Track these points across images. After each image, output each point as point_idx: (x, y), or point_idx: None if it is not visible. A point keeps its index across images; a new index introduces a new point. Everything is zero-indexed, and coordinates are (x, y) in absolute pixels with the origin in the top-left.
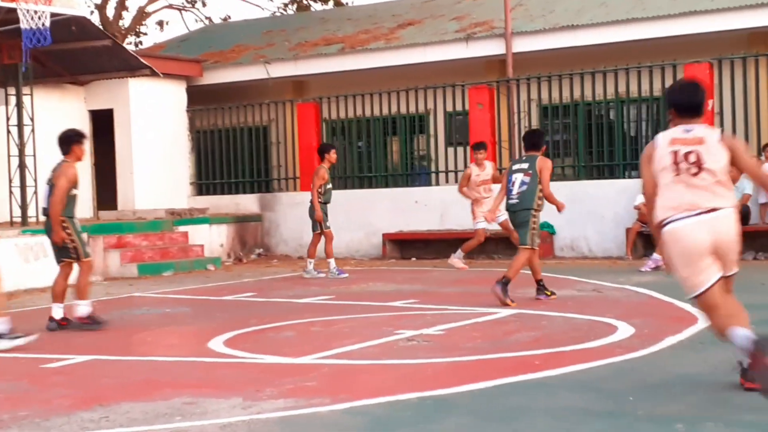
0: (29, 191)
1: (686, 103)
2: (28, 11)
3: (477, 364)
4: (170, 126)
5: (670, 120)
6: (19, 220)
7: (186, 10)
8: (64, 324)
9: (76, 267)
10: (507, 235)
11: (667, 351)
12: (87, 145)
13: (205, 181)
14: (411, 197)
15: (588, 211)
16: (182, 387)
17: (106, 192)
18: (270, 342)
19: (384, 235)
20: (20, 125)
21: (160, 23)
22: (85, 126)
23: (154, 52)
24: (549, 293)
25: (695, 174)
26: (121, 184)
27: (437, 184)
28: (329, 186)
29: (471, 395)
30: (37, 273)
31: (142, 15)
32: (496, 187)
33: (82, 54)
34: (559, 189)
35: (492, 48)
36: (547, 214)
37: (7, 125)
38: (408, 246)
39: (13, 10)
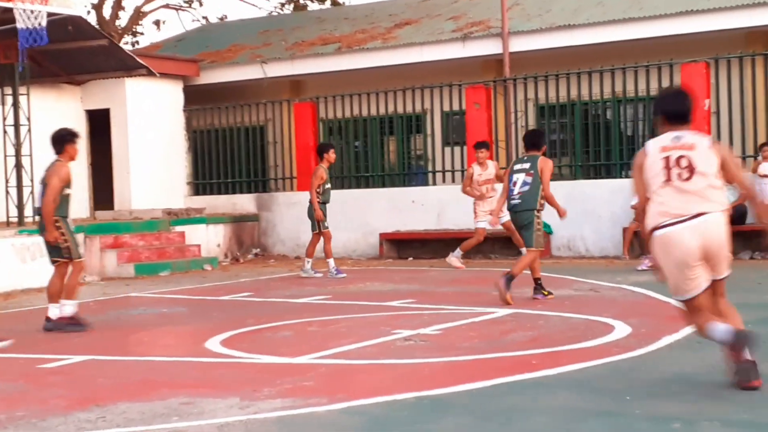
0: (26, 191)
1: (675, 111)
2: (24, 11)
3: (474, 364)
4: (167, 126)
5: (657, 126)
6: (15, 220)
7: (183, 10)
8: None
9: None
10: (507, 235)
11: (664, 350)
12: (80, 145)
13: (202, 181)
14: (408, 197)
15: (585, 210)
16: (179, 387)
17: (102, 192)
18: (267, 342)
19: (381, 234)
20: (17, 125)
21: (157, 23)
22: (81, 126)
23: (150, 51)
24: (546, 293)
25: (687, 178)
26: (118, 184)
27: (434, 183)
28: (328, 186)
29: (468, 395)
30: (33, 273)
31: (138, 14)
32: (500, 186)
33: (78, 54)
34: (556, 188)
35: (489, 47)
36: (544, 213)
37: (4, 125)
38: (405, 246)
39: (10, 10)
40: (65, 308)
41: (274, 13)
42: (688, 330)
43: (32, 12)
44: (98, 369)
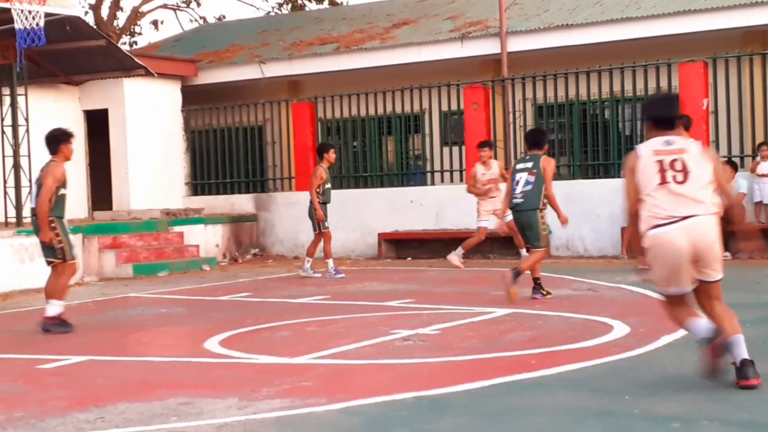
0: (24, 192)
1: (663, 116)
2: (22, 11)
3: (473, 364)
4: (165, 126)
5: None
6: (14, 220)
7: (180, 10)
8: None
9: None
10: (509, 235)
11: (662, 350)
12: (75, 144)
13: (201, 181)
14: (406, 197)
15: (583, 210)
16: (178, 387)
17: (101, 192)
18: (266, 342)
19: (379, 234)
20: (15, 126)
21: (155, 23)
22: (79, 126)
23: (148, 51)
24: (545, 293)
25: (682, 181)
26: (116, 184)
27: (432, 183)
28: (328, 186)
29: (467, 395)
30: (32, 273)
31: (136, 15)
32: (503, 186)
33: (76, 54)
34: (555, 188)
35: (487, 47)
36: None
37: (2, 125)
38: (403, 246)
39: (7, 10)
40: (52, 308)
41: (272, 14)
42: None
43: (30, 12)
44: (97, 369)
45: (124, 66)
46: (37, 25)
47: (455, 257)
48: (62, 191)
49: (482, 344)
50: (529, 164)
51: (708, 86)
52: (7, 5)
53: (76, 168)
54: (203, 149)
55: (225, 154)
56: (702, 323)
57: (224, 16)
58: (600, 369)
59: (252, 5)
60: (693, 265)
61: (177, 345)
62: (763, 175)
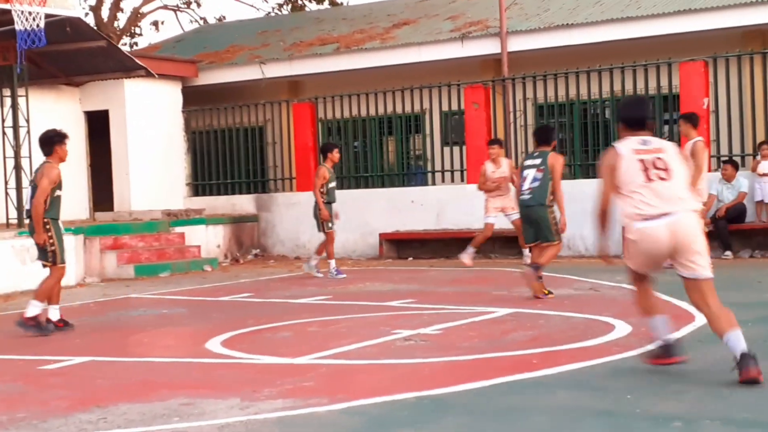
0: (25, 193)
1: (636, 117)
2: (22, 12)
3: (474, 364)
4: (166, 127)
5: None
6: (15, 221)
7: (181, 11)
8: (60, 326)
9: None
10: (508, 235)
11: None
12: (76, 146)
13: (201, 182)
14: (407, 197)
15: (584, 210)
16: (179, 388)
17: (102, 193)
18: (267, 342)
19: (380, 234)
20: (15, 127)
21: (155, 24)
22: (80, 127)
23: (149, 52)
24: (546, 292)
25: (665, 179)
26: (117, 185)
27: (433, 183)
28: (331, 185)
29: (468, 395)
30: (33, 275)
31: (136, 16)
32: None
33: (77, 55)
34: None
35: (487, 47)
36: None
37: (3, 127)
38: (405, 246)
39: (8, 12)
40: (31, 308)
41: (273, 14)
42: (688, 329)
43: (30, 13)
44: (99, 370)
45: (125, 67)
46: (38, 26)
47: (466, 257)
48: (57, 193)
49: (484, 344)
50: (537, 161)
51: (708, 85)
52: (7, 6)
53: (77, 169)
54: (204, 150)
55: (226, 154)
56: (663, 328)
57: (224, 17)
58: (601, 368)
59: (252, 6)
60: (678, 260)
61: (178, 345)
62: (764, 174)
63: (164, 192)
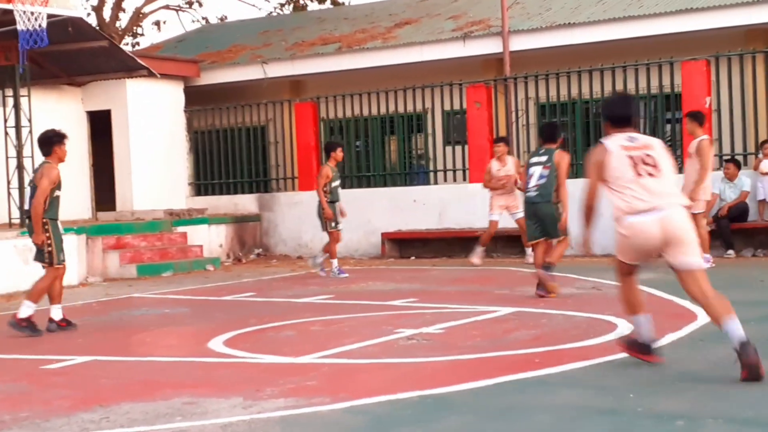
0: (28, 193)
1: (621, 115)
2: (24, 12)
3: (477, 363)
4: (168, 126)
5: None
6: (17, 221)
7: (183, 11)
8: (63, 325)
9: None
10: (509, 233)
11: (666, 348)
12: (77, 146)
13: (204, 182)
14: (409, 196)
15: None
16: (182, 387)
17: (104, 193)
18: (270, 342)
19: (383, 234)
20: (18, 127)
21: (157, 24)
22: (82, 127)
23: (151, 52)
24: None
25: (654, 175)
26: (120, 185)
27: (435, 183)
28: (335, 184)
29: (471, 393)
30: (35, 274)
31: (138, 16)
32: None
33: (79, 55)
34: None
35: (489, 46)
36: None
37: (5, 127)
38: (407, 245)
39: (10, 12)
40: (24, 309)
41: (274, 14)
42: (690, 328)
43: (32, 13)
44: (101, 369)
45: (127, 67)
46: (40, 26)
47: (476, 257)
48: (56, 193)
49: (486, 343)
50: (543, 158)
51: (710, 84)
52: (9, 6)
53: (80, 169)
54: (206, 149)
55: (228, 154)
56: (646, 326)
57: (226, 17)
58: (604, 367)
59: (254, 6)
60: (670, 253)
61: (181, 345)
62: (766, 173)
63: (166, 192)
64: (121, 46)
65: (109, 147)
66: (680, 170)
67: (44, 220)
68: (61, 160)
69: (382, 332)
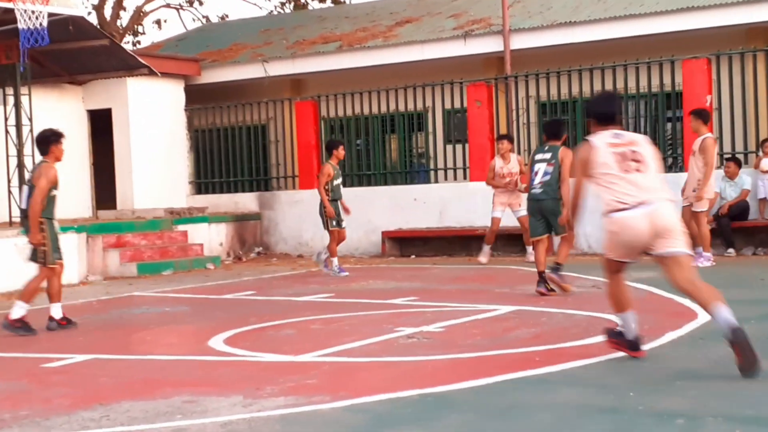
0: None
1: (605, 112)
2: (25, 11)
3: (477, 361)
4: (169, 125)
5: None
6: (18, 220)
7: (183, 9)
8: (63, 323)
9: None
10: (510, 232)
11: (667, 346)
12: (77, 144)
13: (204, 180)
14: (410, 195)
15: (587, 207)
16: (182, 385)
17: (104, 191)
18: (270, 340)
19: (383, 232)
20: (18, 125)
21: (158, 22)
22: (83, 126)
23: (151, 51)
24: (549, 287)
25: (641, 171)
26: (120, 183)
27: (436, 181)
28: (336, 182)
29: (471, 392)
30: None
31: (139, 14)
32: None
33: (79, 54)
34: None
35: (490, 45)
36: None
37: (6, 125)
38: (407, 243)
39: (11, 10)
40: (16, 309)
41: (275, 12)
42: (691, 326)
43: (33, 12)
44: (101, 368)
45: (128, 65)
46: (41, 25)
47: (483, 256)
48: (53, 192)
49: (486, 341)
50: (548, 155)
51: (711, 83)
52: (10, 5)
53: (80, 167)
54: (207, 148)
55: (228, 152)
56: (633, 324)
57: (227, 15)
58: (604, 366)
59: (255, 4)
60: (658, 243)
61: (181, 343)
62: (766, 172)
63: (167, 190)
64: (122, 44)
65: (109, 145)
66: (681, 168)
67: (41, 220)
68: (58, 159)
69: (382, 331)
